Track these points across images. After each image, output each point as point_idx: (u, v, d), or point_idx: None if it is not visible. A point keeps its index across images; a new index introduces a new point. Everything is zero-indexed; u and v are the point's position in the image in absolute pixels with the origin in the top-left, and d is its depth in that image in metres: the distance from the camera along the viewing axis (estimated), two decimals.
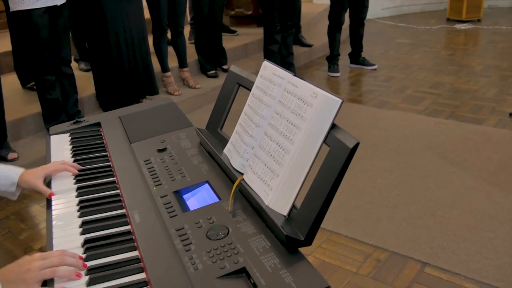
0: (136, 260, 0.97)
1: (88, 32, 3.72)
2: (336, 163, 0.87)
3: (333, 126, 0.91)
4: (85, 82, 4.09)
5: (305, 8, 5.93)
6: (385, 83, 4.66)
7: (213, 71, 4.64)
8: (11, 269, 0.94)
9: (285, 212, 0.94)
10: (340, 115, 0.90)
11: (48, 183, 1.32)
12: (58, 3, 3.21)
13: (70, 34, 3.67)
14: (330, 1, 4.82)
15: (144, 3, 3.93)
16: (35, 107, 3.64)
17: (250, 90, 1.20)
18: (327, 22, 4.99)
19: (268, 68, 1.14)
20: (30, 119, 3.58)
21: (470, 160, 3.05)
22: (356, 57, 5.16)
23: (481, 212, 2.50)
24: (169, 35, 4.19)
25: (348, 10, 4.86)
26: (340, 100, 0.90)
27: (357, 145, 0.85)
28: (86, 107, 3.90)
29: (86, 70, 4.44)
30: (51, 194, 1.25)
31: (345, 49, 5.27)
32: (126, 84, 3.76)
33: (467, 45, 5.92)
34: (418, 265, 2.15)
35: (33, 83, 4.06)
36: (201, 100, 4.24)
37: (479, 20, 6.98)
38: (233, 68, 1.35)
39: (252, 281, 0.84)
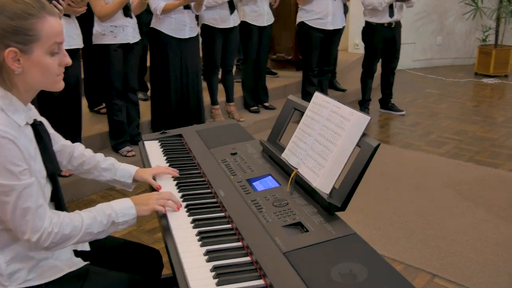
0: (223, 217, 1.44)
1: (152, 68, 4.30)
2: (364, 157, 1.32)
3: (363, 134, 1.37)
4: (142, 109, 4.65)
5: (340, 56, 6.45)
6: (411, 127, 5.08)
7: (256, 107, 5.17)
8: (137, 197, 1.47)
9: (328, 191, 1.39)
10: None
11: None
12: (131, 42, 3.80)
13: None
14: (365, 51, 5.35)
15: None
16: (101, 127, 4.21)
17: (302, 112, 1.68)
18: (360, 70, 5.51)
19: (319, 97, 1.61)
20: (97, 137, 4.13)
21: (484, 197, 3.42)
22: (385, 103, 5.62)
23: (488, 239, 2.86)
24: None
25: (380, 60, 5.38)
26: (369, 117, 1.37)
27: (378, 145, 1.30)
28: (143, 131, 4.44)
29: (144, 100, 5.02)
30: (159, 187, 1.69)
31: (376, 95, 5.74)
32: (179, 113, 4.30)
33: (492, 98, 6.31)
34: (428, 276, 2.52)
35: (99, 106, 4.67)
36: None
37: (506, 76, 7.37)
38: (291, 97, 1.84)
39: (305, 229, 1.28)
